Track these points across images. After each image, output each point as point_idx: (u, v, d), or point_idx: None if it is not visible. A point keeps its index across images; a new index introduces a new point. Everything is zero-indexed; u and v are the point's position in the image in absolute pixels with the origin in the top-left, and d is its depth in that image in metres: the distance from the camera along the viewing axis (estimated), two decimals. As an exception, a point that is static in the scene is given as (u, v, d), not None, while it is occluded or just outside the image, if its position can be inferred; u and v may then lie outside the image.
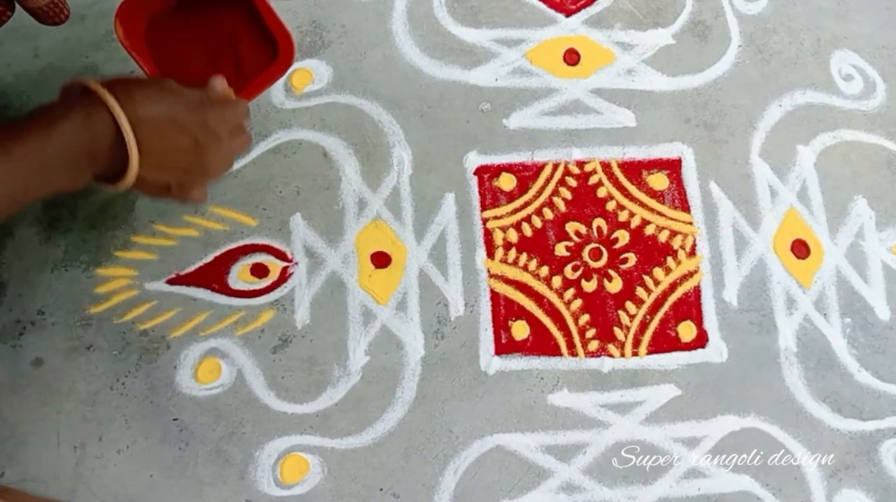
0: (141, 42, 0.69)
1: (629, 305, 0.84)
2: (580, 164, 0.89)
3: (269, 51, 0.71)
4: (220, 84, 0.61)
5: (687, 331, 0.83)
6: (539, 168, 0.88)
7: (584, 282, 0.84)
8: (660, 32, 0.95)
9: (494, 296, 0.83)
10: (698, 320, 0.84)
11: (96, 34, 0.90)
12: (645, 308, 0.84)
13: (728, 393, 0.81)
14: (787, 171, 0.90)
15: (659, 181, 0.88)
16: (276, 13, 0.70)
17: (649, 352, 0.82)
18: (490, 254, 0.85)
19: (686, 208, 0.88)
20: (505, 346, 0.82)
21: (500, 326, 0.82)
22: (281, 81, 0.90)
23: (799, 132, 0.91)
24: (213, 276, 0.82)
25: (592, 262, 0.85)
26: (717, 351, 0.83)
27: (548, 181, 0.88)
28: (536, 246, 0.85)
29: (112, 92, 0.52)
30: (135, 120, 0.52)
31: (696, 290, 0.85)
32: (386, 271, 0.84)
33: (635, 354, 0.82)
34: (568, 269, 0.85)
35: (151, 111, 0.54)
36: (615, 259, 0.85)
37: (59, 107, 0.52)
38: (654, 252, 0.86)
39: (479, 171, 0.88)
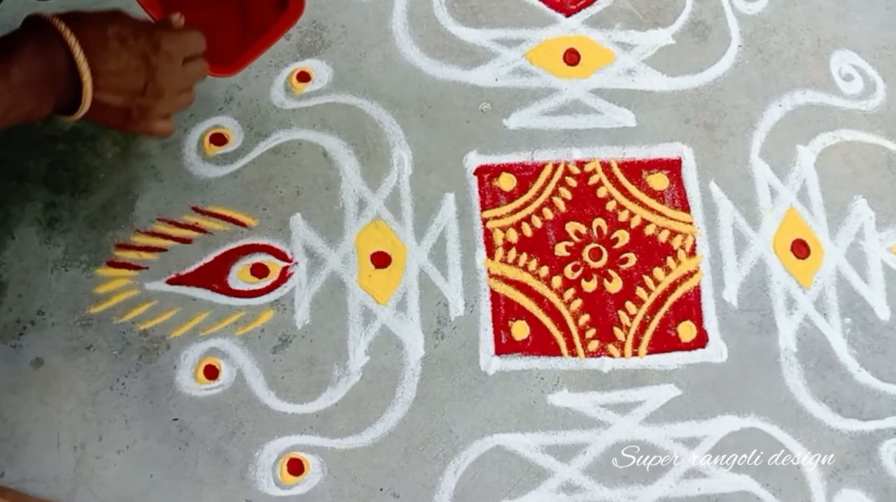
0: None
1: (629, 305, 0.84)
2: (580, 164, 0.89)
3: (277, 1, 0.70)
4: (176, 18, 0.63)
5: (687, 331, 0.83)
6: (539, 168, 0.88)
7: (584, 282, 0.84)
8: (660, 32, 0.95)
9: (494, 296, 0.83)
10: (698, 320, 0.84)
11: (96, 34, 0.90)
12: (645, 308, 0.84)
13: (728, 393, 0.81)
14: (787, 171, 0.90)
15: (659, 181, 0.88)
16: None
17: (649, 352, 0.82)
18: (490, 254, 0.85)
19: (686, 208, 0.88)
20: (505, 346, 0.82)
21: (500, 326, 0.82)
22: (281, 81, 0.90)
23: (799, 132, 0.91)
24: (213, 276, 0.82)
25: (592, 262, 0.85)
26: (717, 351, 0.83)
27: (548, 181, 0.88)
28: (536, 246, 0.85)
29: (63, 19, 0.56)
30: (84, 41, 0.56)
31: (696, 290, 0.85)
32: (386, 271, 0.84)
33: (635, 354, 0.82)
34: (568, 269, 0.85)
35: (100, 33, 0.57)
36: (615, 259, 0.85)
37: (17, 36, 0.56)
38: (654, 252, 0.86)
39: (479, 171, 0.88)
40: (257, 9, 0.71)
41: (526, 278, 0.84)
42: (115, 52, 0.58)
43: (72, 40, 0.56)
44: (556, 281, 0.84)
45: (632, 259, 0.85)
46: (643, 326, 0.83)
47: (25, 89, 0.55)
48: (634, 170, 0.89)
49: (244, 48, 0.72)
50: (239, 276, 0.83)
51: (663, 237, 0.86)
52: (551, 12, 0.95)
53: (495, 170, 0.88)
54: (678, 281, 0.85)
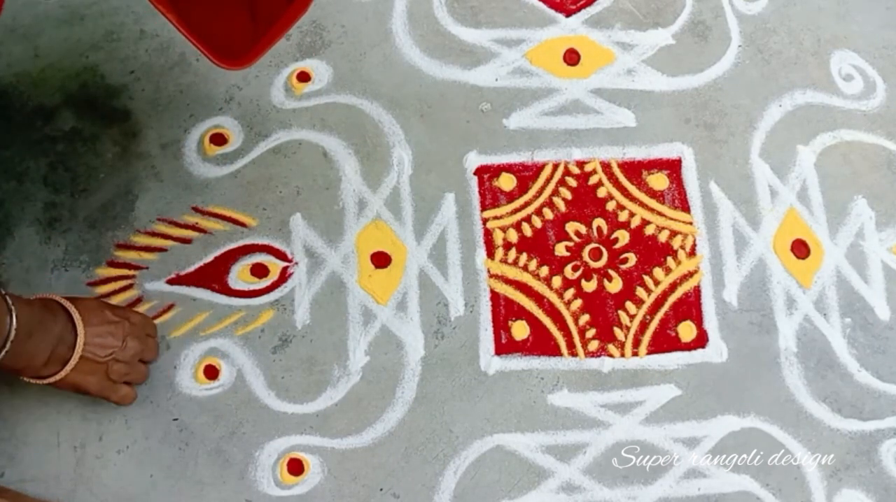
0: None
1: (629, 305, 0.84)
2: (580, 164, 0.89)
3: None
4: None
5: (687, 331, 0.83)
6: (539, 168, 0.88)
7: (584, 282, 0.84)
8: (660, 32, 0.95)
9: (494, 296, 0.83)
10: (698, 320, 0.84)
11: (96, 34, 0.91)
12: (645, 308, 0.84)
13: (728, 393, 0.81)
14: (787, 171, 0.90)
15: (659, 181, 0.88)
16: None
17: (649, 352, 0.82)
18: (490, 254, 0.85)
19: (686, 208, 0.88)
20: (505, 346, 0.82)
21: (500, 326, 0.82)
22: (281, 81, 0.90)
23: (799, 132, 0.91)
24: (213, 276, 0.82)
25: (592, 262, 0.85)
26: (717, 351, 0.83)
27: (548, 181, 0.88)
28: (536, 246, 0.85)
29: (66, 298, 0.71)
30: (81, 314, 0.71)
31: (696, 290, 0.85)
32: (386, 271, 0.84)
33: (635, 354, 0.82)
34: (568, 269, 0.85)
35: (91, 302, 0.74)
36: (615, 259, 0.85)
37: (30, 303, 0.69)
38: (654, 252, 0.86)
39: (479, 171, 0.88)
40: (265, 1, 0.70)
41: (526, 278, 0.84)
42: (103, 317, 0.72)
43: (72, 310, 0.70)
44: (556, 281, 0.84)
45: (632, 259, 0.85)
46: (643, 326, 0.83)
47: (28, 337, 0.66)
48: (634, 170, 0.89)
49: (255, 40, 0.71)
50: (239, 276, 0.83)
51: (663, 237, 0.86)
52: (551, 12, 0.95)
53: (495, 170, 0.88)
54: (678, 281, 0.85)
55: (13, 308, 0.64)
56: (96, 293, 0.81)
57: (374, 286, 0.83)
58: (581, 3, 0.96)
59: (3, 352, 0.64)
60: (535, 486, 0.77)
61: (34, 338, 0.67)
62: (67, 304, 0.70)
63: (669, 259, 0.86)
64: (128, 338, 0.73)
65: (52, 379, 0.69)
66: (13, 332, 0.64)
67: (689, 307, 0.84)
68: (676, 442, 0.79)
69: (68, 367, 0.69)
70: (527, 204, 0.87)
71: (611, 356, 0.82)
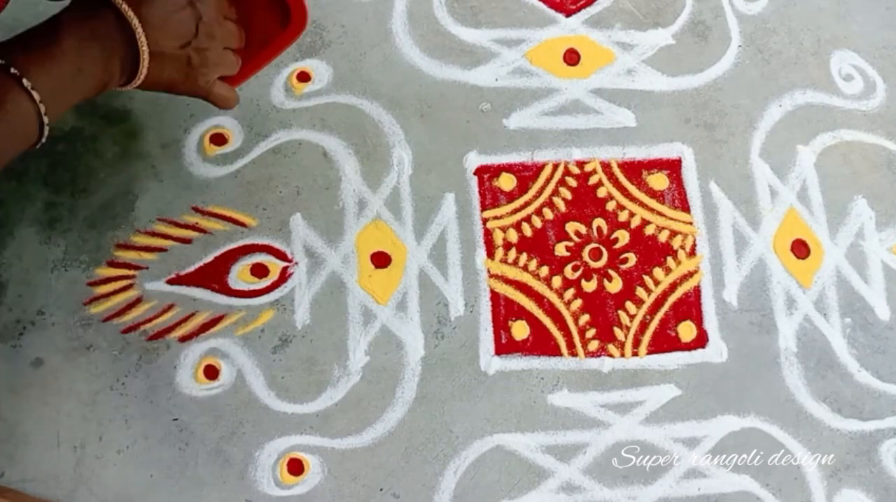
0: None
1: (629, 305, 0.84)
2: (580, 164, 0.89)
3: (278, 16, 0.70)
4: None
5: (687, 331, 0.83)
6: (539, 168, 0.88)
7: (584, 282, 0.84)
8: (660, 32, 0.95)
9: (494, 296, 0.83)
10: (698, 320, 0.84)
11: (96, 34, 0.90)
12: (645, 308, 0.84)
13: (728, 393, 0.81)
14: (787, 171, 0.90)
15: (659, 181, 0.88)
16: None
17: (649, 352, 0.82)
18: (490, 254, 0.85)
19: (686, 208, 0.88)
20: (505, 346, 0.82)
21: (500, 326, 0.82)
22: (281, 81, 0.90)
23: (799, 132, 0.91)
24: (213, 276, 0.82)
25: (592, 262, 0.85)
26: (717, 351, 0.83)
27: (548, 181, 0.88)
28: (536, 246, 0.85)
29: None
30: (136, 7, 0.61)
31: (696, 290, 0.85)
32: (386, 271, 0.84)
33: (635, 354, 0.82)
34: (568, 269, 0.85)
35: None
36: (615, 259, 0.85)
37: (62, 11, 0.61)
38: (654, 252, 0.86)
39: (479, 171, 0.88)
40: (258, 23, 0.71)
41: (526, 278, 0.84)
42: (160, 1, 0.62)
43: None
44: (556, 281, 0.84)
45: (632, 259, 0.85)
46: (643, 326, 0.83)
47: (80, 53, 0.58)
48: (634, 170, 0.89)
49: (244, 62, 0.72)
50: (239, 276, 0.83)
51: (663, 237, 0.86)
52: (551, 12, 0.95)
53: (495, 170, 0.88)
54: (678, 281, 0.85)
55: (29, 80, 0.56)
56: (96, 293, 0.81)
57: (374, 286, 0.83)
58: (581, 3, 0.96)
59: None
60: (535, 486, 0.77)
61: (85, 62, 0.59)
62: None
63: (669, 259, 0.86)
64: (199, 20, 0.65)
65: (131, 86, 0.65)
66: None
67: (689, 307, 0.84)
68: (676, 442, 0.79)
69: (140, 74, 0.63)
70: (527, 204, 0.87)
71: (611, 356, 0.82)
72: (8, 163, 0.58)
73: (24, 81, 0.56)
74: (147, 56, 0.62)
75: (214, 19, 0.66)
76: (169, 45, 0.63)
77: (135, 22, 0.60)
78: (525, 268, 0.85)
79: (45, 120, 0.58)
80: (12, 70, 0.56)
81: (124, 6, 0.60)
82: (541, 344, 0.82)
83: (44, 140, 0.59)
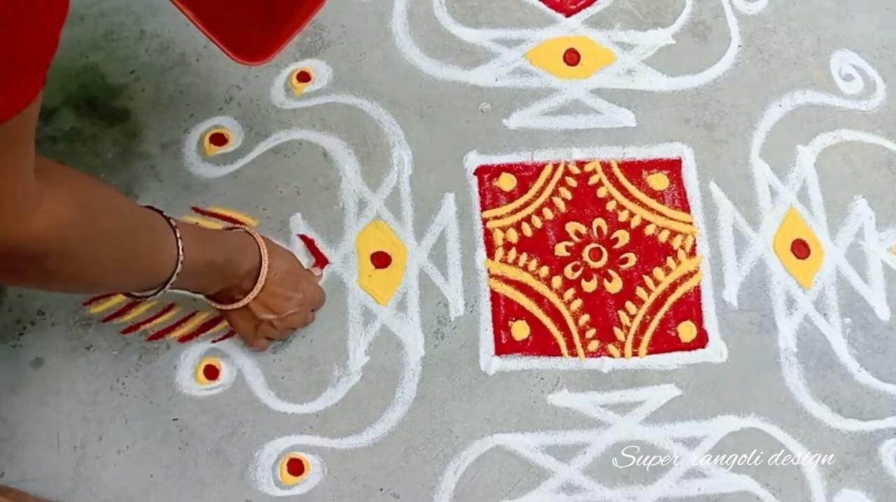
0: None
1: (629, 305, 0.84)
2: (580, 164, 0.89)
3: None
4: (318, 272, 0.83)
5: (687, 331, 0.83)
6: (539, 168, 0.88)
7: (584, 282, 0.84)
8: (660, 32, 0.95)
9: (494, 296, 0.83)
10: (698, 320, 0.84)
11: (96, 34, 0.91)
12: (645, 308, 0.84)
13: (728, 393, 0.81)
14: (787, 171, 0.90)
15: (659, 181, 0.88)
16: None
17: (649, 352, 0.82)
18: (490, 254, 0.85)
19: (686, 208, 0.88)
20: (505, 346, 0.82)
21: (500, 326, 0.82)
22: (281, 81, 0.90)
23: (799, 132, 0.91)
24: (213, 276, 0.82)
25: (592, 262, 0.85)
26: (717, 351, 0.83)
27: (548, 181, 0.88)
28: (536, 246, 0.85)
29: (263, 239, 0.75)
30: (270, 261, 0.74)
31: (696, 290, 0.85)
32: (386, 271, 0.84)
33: (635, 354, 0.82)
34: (568, 269, 0.85)
35: (282, 261, 0.76)
36: (615, 259, 0.85)
37: (230, 234, 0.74)
38: (654, 252, 0.86)
39: (479, 171, 0.88)
40: None
41: (526, 278, 0.84)
42: (285, 280, 0.75)
43: (265, 251, 0.73)
44: (556, 281, 0.84)
45: (632, 259, 0.85)
46: (643, 326, 0.83)
47: (216, 269, 0.69)
48: (634, 170, 0.89)
49: (272, 36, 0.71)
50: (239, 276, 0.83)
51: (663, 237, 0.86)
52: (551, 12, 0.95)
53: (495, 170, 0.88)
54: (678, 281, 0.85)
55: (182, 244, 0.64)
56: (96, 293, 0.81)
57: (374, 286, 0.83)
58: (581, 3, 0.96)
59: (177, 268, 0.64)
60: (535, 486, 0.77)
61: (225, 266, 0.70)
62: (264, 250, 0.73)
63: (669, 259, 0.86)
64: (292, 312, 0.76)
65: (219, 306, 0.75)
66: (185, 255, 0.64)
67: (689, 307, 0.84)
68: (676, 442, 0.79)
69: (235, 305, 0.74)
70: (527, 204, 0.87)
71: (611, 356, 0.82)
72: (132, 290, 0.66)
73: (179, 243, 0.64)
74: (247, 301, 0.73)
75: (302, 317, 0.78)
76: (259, 310, 0.74)
77: (262, 277, 0.73)
78: (525, 268, 0.84)
79: (173, 279, 0.64)
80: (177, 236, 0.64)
81: (265, 262, 0.73)
82: (541, 344, 0.82)
83: (158, 294, 0.65)
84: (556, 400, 0.80)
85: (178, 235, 0.63)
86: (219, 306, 0.75)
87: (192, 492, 0.76)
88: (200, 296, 0.74)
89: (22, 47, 0.42)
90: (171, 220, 0.64)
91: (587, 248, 0.86)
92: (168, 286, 0.64)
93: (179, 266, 0.63)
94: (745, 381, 0.82)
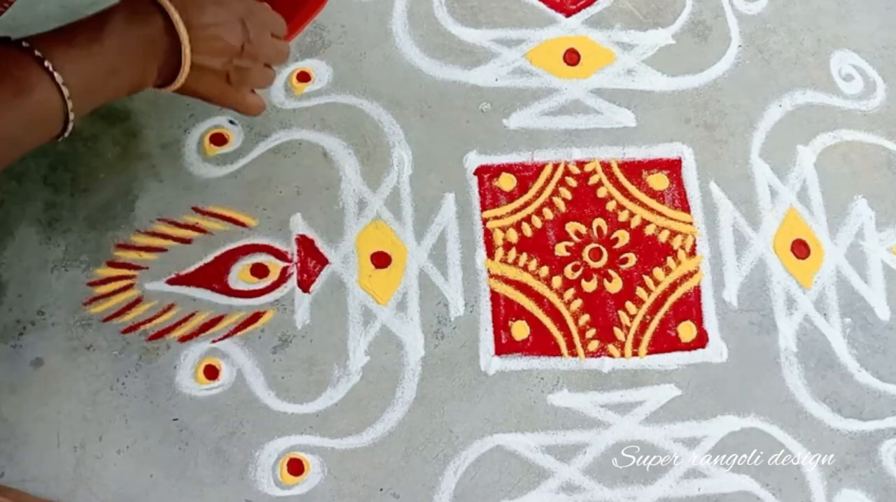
0: None
1: (629, 305, 0.84)
2: (580, 164, 0.89)
3: None
4: None
5: (687, 331, 0.83)
6: (539, 168, 0.88)
7: (584, 282, 0.84)
8: (660, 32, 0.95)
9: (494, 296, 0.83)
10: (698, 320, 0.84)
11: (96, 34, 0.90)
12: (645, 308, 0.84)
13: (728, 393, 0.81)
14: (787, 171, 0.90)
15: (659, 181, 0.88)
16: None
17: (649, 352, 0.82)
18: (490, 254, 0.85)
19: (686, 208, 0.88)
20: (505, 346, 0.82)
21: (500, 326, 0.82)
22: (281, 81, 0.90)
23: (799, 132, 0.91)
24: (213, 276, 0.82)
25: (592, 262, 0.85)
26: (717, 351, 0.83)
27: (548, 181, 0.88)
28: (536, 246, 0.85)
29: None
30: (179, 3, 0.59)
31: (696, 290, 0.85)
32: (386, 271, 0.84)
33: (635, 354, 0.82)
34: (568, 269, 0.85)
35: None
36: (615, 259, 0.85)
37: (111, 7, 0.59)
38: (654, 252, 0.86)
39: (479, 171, 0.88)
40: None
41: (526, 278, 0.84)
42: (211, 11, 0.61)
43: (166, 2, 0.59)
44: (556, 281, 0.84)
45: (632, 259, 0.85)
46: (643, 326, 0.83)
47: (121, 54, 0.58)
48: (634, 170, 0.89)
49: (294, 13, 0.71)
50: (239, 276, 0.83)
51: (663, 237, 0.86)
52: (551, 12, 0.95)
53: (495, 171, 0.88)
54: (678, 281, 0.85)
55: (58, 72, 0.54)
56: (95, 293, 0.81)
57: (374, 286, 0.83)
58: (581, 3, 0.96)
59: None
60: (535, 486, 0.77)
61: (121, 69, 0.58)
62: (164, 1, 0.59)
63: (669, 259, 0.86)
64: (246, 40, 0.64)
65: (162, 90, 0.64)
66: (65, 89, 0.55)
67: (689, 307, 0.84)
68: (676, 442, 0.79)
69: (177, 82, 0.63)
70: (527, 204, 0.87)
71: (611, 356, 0.82)
72: (24, 153, 0.57)
73: (56, 76, 0.55)
74: (188, 68, 0.62)
75: (261, 39, 0.66)
76: (212, 61, 0.63)
77: (183, 34, 0.59)
78: (525, 268, 0.85)
79: (71, 116, 0.56)
80: (46, 63, 0.54)
81: (176, 16, 0.59)
82: (541, 344, 0.82)
83: (66, 135, 0.58)
84: (556, 400, 0.80)
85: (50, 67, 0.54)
86: (168, 87, 0.64)
87: (192, 492, 0.76)
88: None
89: None
90: (35, 52, 0.54)
91: (587, 248, 0.86)
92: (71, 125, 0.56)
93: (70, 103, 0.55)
94: (745, 381, 0.82)
